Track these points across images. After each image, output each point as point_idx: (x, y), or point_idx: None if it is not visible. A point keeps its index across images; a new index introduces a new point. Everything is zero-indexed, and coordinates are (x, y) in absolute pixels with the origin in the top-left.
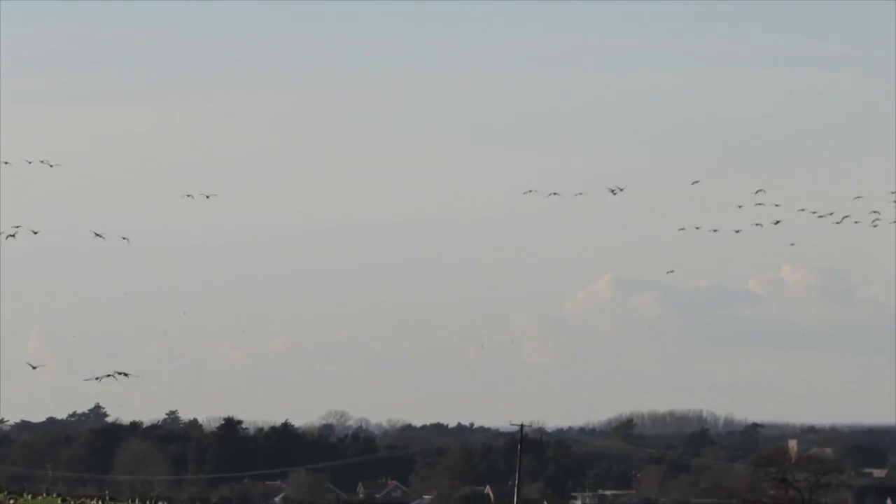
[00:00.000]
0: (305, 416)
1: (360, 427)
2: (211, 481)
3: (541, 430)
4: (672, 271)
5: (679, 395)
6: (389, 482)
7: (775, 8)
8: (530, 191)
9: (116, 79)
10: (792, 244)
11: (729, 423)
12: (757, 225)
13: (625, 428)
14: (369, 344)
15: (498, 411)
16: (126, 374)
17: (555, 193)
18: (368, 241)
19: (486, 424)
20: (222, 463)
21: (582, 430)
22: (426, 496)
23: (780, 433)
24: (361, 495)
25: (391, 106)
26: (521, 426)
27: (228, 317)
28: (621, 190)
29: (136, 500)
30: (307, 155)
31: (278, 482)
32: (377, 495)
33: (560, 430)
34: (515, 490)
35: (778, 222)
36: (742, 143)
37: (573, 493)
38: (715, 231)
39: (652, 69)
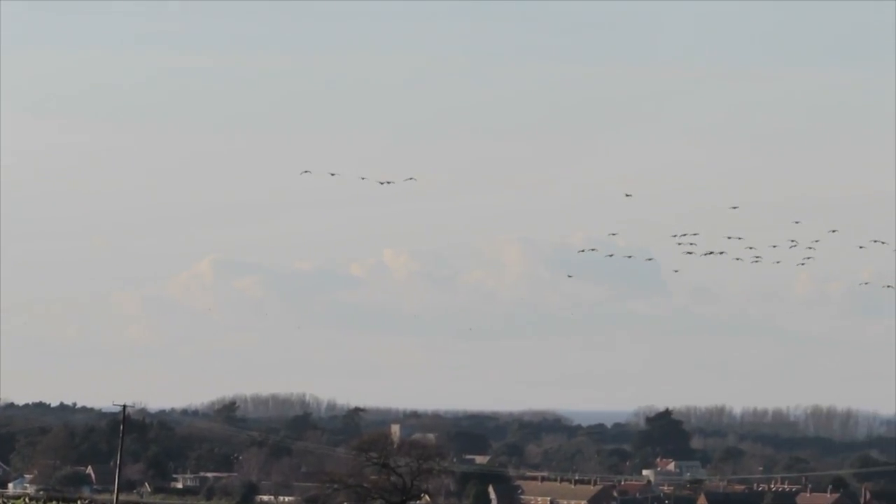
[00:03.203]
0: None
1: None
2: None
3: (143, 412)
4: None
5: (282, 378)
6: None
7: None
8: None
9: None
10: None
11: (332, 407)
12: (362, 206)
13: (227, 410)
14: None
15: (101, 391)
16: None
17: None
18: None
19: (89, 404)
20: None
21: (184, 412)
22: (27, 475)
23: (383, 418)
24: None
25: None
26: (124, 407)
27: None
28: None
29: None
30: None
31: None
32: None
33: (163, 412)
34: (117, 471)
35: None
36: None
37: (175, 475)
38: (322, 213)
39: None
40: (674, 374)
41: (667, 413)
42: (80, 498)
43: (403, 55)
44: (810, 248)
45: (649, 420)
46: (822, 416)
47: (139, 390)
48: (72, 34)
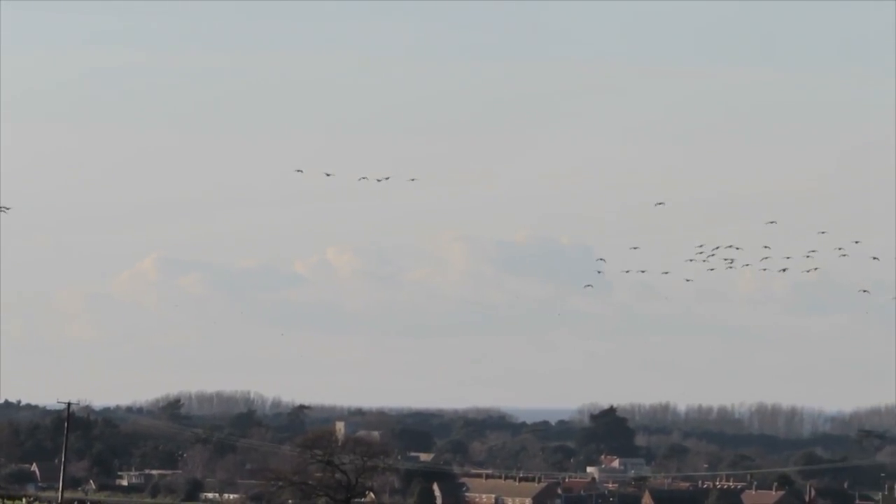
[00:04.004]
0: None
1: None
2: None
3: (88, 409)
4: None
5: (227, 375)
6: None
7: None
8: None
9: None
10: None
11: (276, 404)
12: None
13: (172, 408)
14: None
15: (45, 389)
16: None
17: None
18: None
19: (34, 402)
20: None
21: (129, 410)
22: None
23: (327, 415)
24: None
25: None
26: (69, 404)
27: None
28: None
29: None
30: None
31: None
32: None
33: (107, 409)
34: (62, 468)
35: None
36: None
37: (119, 472)
38: (265, 211)
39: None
40: (618, 372)
41: (611, 410)
42: (24, 495)
43: (341, 54)
44: (766, 254)
45: (594, 417)
46: (766, 414)
47: (84, 388)
48: (8, 34)
